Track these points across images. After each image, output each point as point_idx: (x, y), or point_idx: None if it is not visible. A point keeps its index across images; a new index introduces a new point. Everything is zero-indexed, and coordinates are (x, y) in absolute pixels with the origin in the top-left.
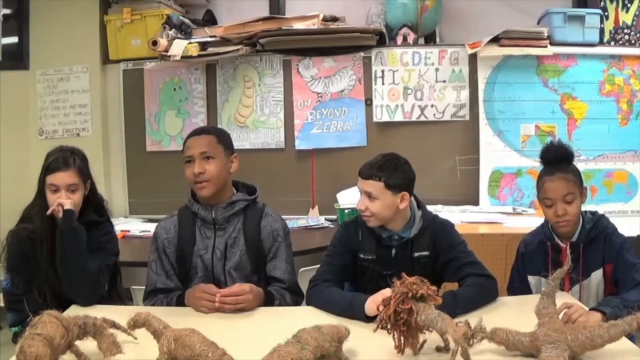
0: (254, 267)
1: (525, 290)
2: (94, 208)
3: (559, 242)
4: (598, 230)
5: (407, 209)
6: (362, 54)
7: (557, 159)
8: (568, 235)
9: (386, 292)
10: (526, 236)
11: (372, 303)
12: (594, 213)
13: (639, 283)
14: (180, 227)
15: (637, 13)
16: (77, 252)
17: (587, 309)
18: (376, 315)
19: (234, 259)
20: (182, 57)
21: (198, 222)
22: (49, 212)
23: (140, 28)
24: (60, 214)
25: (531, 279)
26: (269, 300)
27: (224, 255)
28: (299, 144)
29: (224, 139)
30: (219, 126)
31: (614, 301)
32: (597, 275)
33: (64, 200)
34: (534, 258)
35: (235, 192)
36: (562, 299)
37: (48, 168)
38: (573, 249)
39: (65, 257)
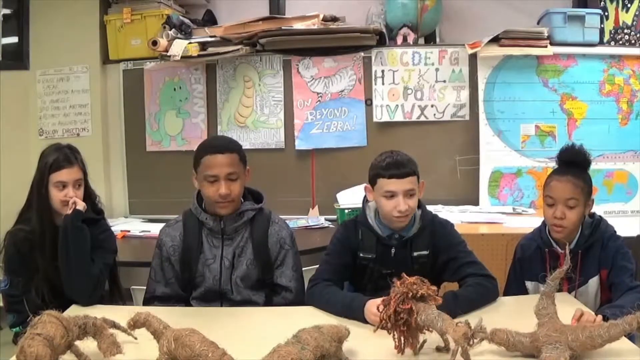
0: (259, 275)
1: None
2: (90, 205)
3: (557, 248)
4: (596, 237)
5: None
6: (362, 54)
7: (572, 161)
8: (566, 241)
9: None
10: (522, 240)
11: (372, 307)
12: (592, 216)
13: (630, 288)
14: (186, 234)
15: (637, 13)
16: (81, 252)
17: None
18: None
19: (241, 268)
20: (182, 57)
21: (205, 231)
22: (69, 208)
23: (140, 28)
24: (70, 210)
25: (529, 285)
26: None
27: (232, 265)
28: (299, 144)
29: (243, 154)
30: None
31: (611, 310)
32: (594, 281)
33: (78, 200)
34: (531, 264)
35: (242, 200)
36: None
37: (52, 166)
38: (571, 256)
39: (69, 257)
